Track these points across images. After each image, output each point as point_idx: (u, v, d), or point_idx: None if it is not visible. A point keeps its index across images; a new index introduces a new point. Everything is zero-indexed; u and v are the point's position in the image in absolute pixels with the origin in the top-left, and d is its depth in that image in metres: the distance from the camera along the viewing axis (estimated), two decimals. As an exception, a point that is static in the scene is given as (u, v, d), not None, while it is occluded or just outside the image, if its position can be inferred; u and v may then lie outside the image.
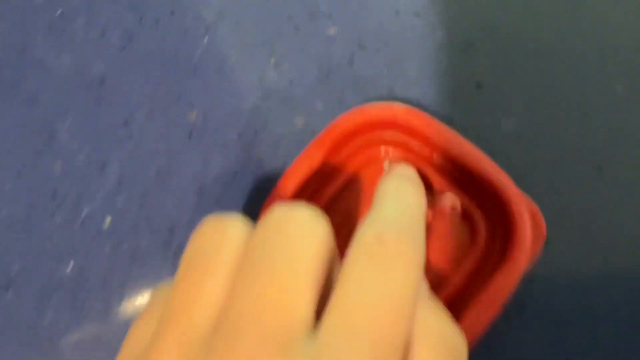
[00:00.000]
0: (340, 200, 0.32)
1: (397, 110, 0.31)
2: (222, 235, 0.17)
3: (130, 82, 0.36)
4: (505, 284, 0.27)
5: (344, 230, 0.24)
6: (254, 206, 0.34)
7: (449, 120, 0.33)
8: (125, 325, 0.26)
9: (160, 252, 0.34)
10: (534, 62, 0.33)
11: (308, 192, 0.31)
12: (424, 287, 0.18)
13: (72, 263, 0.33)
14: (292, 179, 0.31)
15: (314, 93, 0.35)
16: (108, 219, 0.34)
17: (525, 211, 0.28)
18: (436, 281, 0.30)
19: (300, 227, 0.16)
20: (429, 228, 0.31)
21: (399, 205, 0.20)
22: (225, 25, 0.36)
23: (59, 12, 0.37)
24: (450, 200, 0.31)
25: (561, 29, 0.33)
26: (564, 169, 0.32)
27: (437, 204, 0.31)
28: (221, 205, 0.34)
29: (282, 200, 0.30)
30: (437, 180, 0.31)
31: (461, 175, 0.30)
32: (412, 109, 0.31)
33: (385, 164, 0.32)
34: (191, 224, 0.34)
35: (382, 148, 0.32)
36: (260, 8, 0.36)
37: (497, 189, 0.29)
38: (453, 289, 0.29)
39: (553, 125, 0.33)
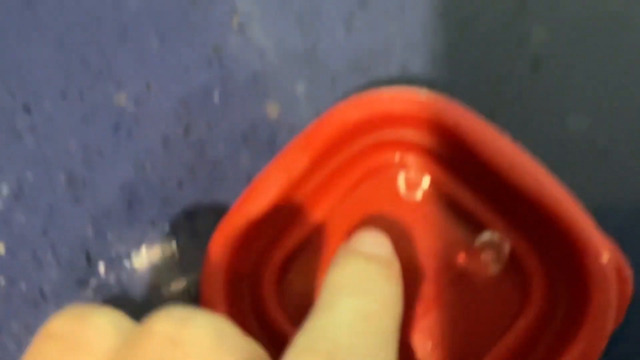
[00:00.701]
0: (333, 226, 0.22)
1: (421, 100, 0.20)
2: (77, 343, 0.12)
3: (33, 48, 0.25)
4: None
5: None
6: (204, 233, 0.24)
7: (490, 113, 0.23)
8: None
9: (74, 293, 0.24)
10: (621, 33, 0.22)
11: (283, 218, 0.21)
12: None
13: (-53, 308, 0.24)
14: (260, 198, 0.21)
15: (294, 69, 0.24)
16: (1, 246, 0.24)
17: (609, 267, 0.18)
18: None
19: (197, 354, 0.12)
20: (458, 279, 0.21)
21: (357, 310, 0.14)
22: (169, -33, 0.25)
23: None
24: (495, 240, 0.21)
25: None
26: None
27: (474, 243, 0.21)
28: (159, 228, 0.24)
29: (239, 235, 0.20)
30: (476, 206, 0.21)
31: (512, 201, 0.20)
32: (442, 100, 0.20)
33: (400, 180, 0.22)
34: (117, 255, 0.24)
35: (397, 154, 0.22)
36: (220, -57, 0.25)
37: (565, 226, 0.19)
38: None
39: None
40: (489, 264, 0.20)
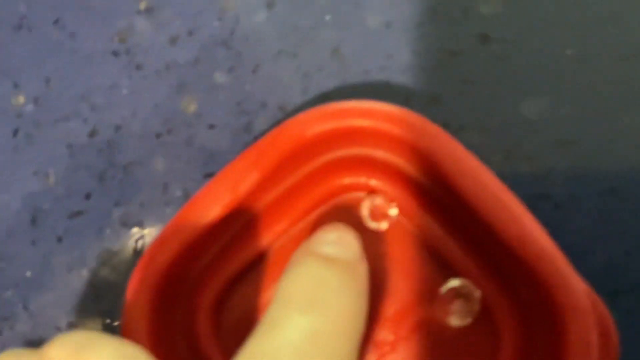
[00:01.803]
0: (284, 251, 0.19)
1: (392, 116, 0.17)
2: None
3: None
4: None
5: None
6: (119, 251, 0.21)
7: (436, 97, 0.20)
8: None
9: (-21, 321, 0.21)
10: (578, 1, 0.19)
11: (224, 240, 0.19)
12: None
13: None
14: (199, 217, 0.18)
15: (212, 56, 0.21)
16: None
17: (590, 327, 0.15)
18: None
19: None
20: (420, 325, 0.18)
21: (307, 330, 0.13)
22: (64, -56, 0.22)
23: None
24: (465, 289, 0.18)
25: None
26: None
27: (442, 290, 0.18)
28: (67, 245, 0.21)
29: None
30: (447, 246, 0.18)
31: (486, 243, 0.17)
32: (417, 118, 0.17)
33: (365, 206, 0.19)
34: (23, 278, 0.21)
35: (363, 177, 0.19)
36: None
37: (544, 276, 0.16)
38: None
39: (613, 113, 0.19)
40: (457, 314, 0.18)
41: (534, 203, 0.19)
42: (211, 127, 0.21)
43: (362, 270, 0.15)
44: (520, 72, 0.20)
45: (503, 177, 0.20)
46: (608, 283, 0.18)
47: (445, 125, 0.20)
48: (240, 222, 0.18)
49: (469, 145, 0.20)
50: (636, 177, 0.19)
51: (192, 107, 0.21)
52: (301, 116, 0.18)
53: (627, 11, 0.19)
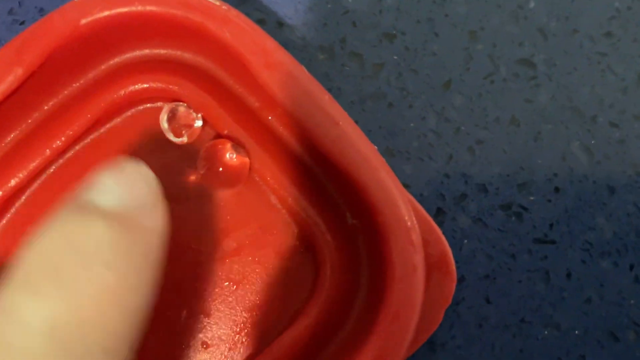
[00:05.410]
0: (68, 174, 0.16)
1: (209, 12, 0.14)
2: None
3: None
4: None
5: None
6: None
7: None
8: None
9: None
10: None
11: None
12: None
13: None
14: None
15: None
16: None
17: (414, 245, 0.14)
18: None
19: None
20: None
21: (48, 315, 0.09)
22: None
23: None
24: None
25: None
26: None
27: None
28: None
29: None
30: (263, 164, 0.16)
31: (302, 156, 0.15)
32: (235, 14, 0.14)
33: (163, 116, 0.16)
34: None
35: (160, 81, 0.16)
36: None
37: (368, 196, 0.14)
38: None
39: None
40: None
41: (368, 102, 0.17)
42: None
43: (151, 223, 0.11)
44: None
45: (329, 77, 0.18)
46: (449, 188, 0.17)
47: (260, 22, 0.18)
48: (7, 134, 0.15)
49: (289, 43, 0.18)
50: (470, 68, 0.18)
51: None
52: (76, 1, 0.14)
53: None
